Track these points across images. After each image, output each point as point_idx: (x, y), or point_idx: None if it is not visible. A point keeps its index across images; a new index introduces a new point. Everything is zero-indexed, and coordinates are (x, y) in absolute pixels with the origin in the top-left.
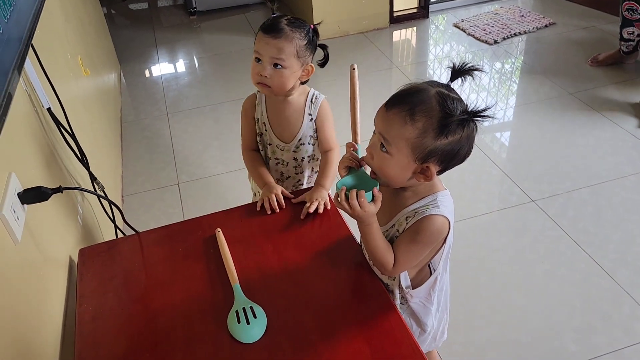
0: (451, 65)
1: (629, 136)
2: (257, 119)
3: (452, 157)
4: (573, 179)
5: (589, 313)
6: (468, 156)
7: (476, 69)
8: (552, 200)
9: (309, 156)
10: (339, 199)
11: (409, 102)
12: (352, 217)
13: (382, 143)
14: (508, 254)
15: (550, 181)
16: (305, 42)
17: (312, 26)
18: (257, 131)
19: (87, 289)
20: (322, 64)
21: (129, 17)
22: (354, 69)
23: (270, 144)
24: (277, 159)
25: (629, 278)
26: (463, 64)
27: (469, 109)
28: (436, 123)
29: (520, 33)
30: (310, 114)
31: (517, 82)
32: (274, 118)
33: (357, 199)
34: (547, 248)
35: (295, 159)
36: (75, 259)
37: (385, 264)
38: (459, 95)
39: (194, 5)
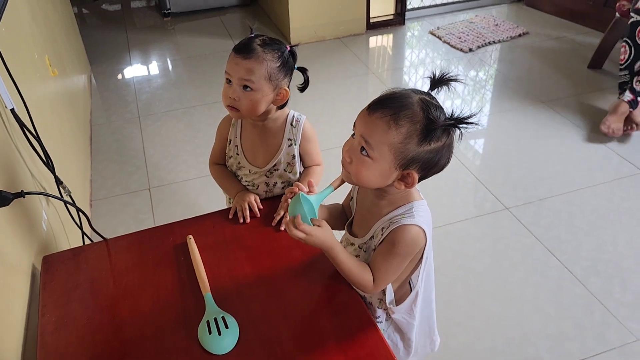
0: (430, 75)
1: (601, 145)
2: (230, 140)
3: (433, 165)
4: (546, 187)
5: (562, 320)
6: (447, 165)
7: (455, 80)
8: (525, 208)
9: (282, 182)
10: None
11: (393, 106)
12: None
13: (362, 147)
14: (483, 261)
15: (524, 189)
16: (278, 64)
17: (288, 47)
18: (227, 153)
19: (51, 298)
20: (302, 88)
21: (101, 17)
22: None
23: (242, 167)
24: (248, 182)
25: (600, 285)
26: (442, 73)
27: (454, 116)
28: (420, 129)
29: (494, 42)
30: (290, 139)
31: (491, 90)
32: (247, 142)
33: (295, 225)
34: (521, 255)
35: (267, 184)
36: (39, 266)
37: (363, 284)
38: (440, 104)
39: (168, 7)
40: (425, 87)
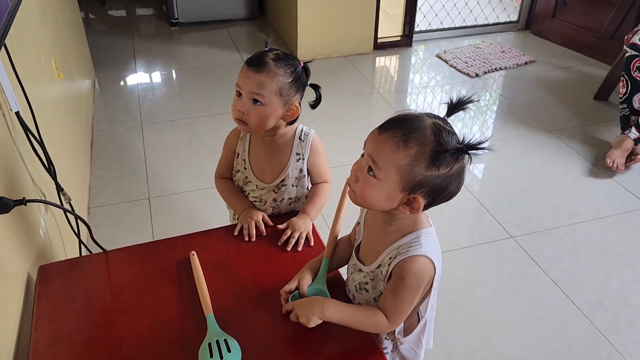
0: (448, 101)
1: (606, 177)
2: (238, 154)
3: (440, 192)
4: (552, 217)
5: (568, 355)
6: (456, 194)
7: (471, 101)
8: (531, 237)
9: (289, 198)
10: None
11: (404, 127)
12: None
13: (370, 166)
14: (487, 290)
15: (529, 218)
16: (290, 80)
17: (302, 64)
18: (235, 167)
19: (45, 310)
20: (314, 105)
21: (107, 23)
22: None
23: (249, 182)
24: (255, 197)
25: (606, 321)
26: (459, 98)
27: (465, 141)
28: (429, 152)
29: (500, 68)
30: (298, 154)
31: (497, 116)
32: (255, 157)
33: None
34: (525, 286)
35: (275, 200)
36: (34, 276)
37: (376, 325)
38: (453, 130)
39: (176, 16)
40: (434, 109)
